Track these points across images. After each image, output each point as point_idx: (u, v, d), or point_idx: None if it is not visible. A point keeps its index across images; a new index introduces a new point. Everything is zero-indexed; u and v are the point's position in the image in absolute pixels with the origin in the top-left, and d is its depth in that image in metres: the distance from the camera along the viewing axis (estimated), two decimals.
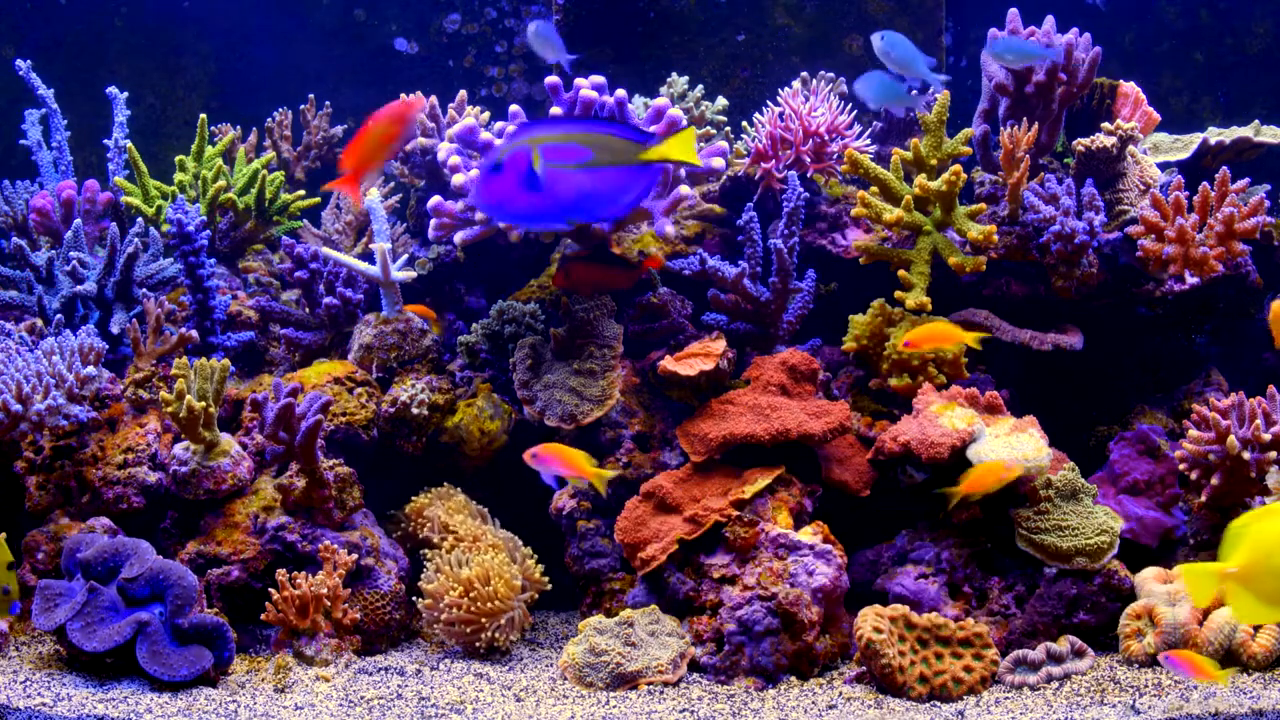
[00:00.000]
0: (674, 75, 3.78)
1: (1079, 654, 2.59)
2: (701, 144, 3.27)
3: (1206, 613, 2.56)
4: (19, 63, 3.84)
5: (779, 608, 2.62)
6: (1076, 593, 2.68)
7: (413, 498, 3.11)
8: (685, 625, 2.72)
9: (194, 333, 3.16)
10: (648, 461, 3.03)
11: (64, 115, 3.84)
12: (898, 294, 3.09)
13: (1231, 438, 2.72)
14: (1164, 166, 3.45)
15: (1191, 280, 3.15)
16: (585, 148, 2.35)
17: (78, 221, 3.45)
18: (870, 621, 2.52)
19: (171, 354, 3.13)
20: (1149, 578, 2.68)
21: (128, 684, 2.49)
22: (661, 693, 2.56)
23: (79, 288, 3.29)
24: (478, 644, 2.77)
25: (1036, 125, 3.19)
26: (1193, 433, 2.81)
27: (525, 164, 2.35)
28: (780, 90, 3.59)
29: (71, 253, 3.31)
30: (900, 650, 2.52)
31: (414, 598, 2.89)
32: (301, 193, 3.84)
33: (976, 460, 2.72)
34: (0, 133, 4.29)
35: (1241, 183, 3.04)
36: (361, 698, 2.50)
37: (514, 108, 3.16)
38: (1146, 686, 2.46)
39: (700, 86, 3.79)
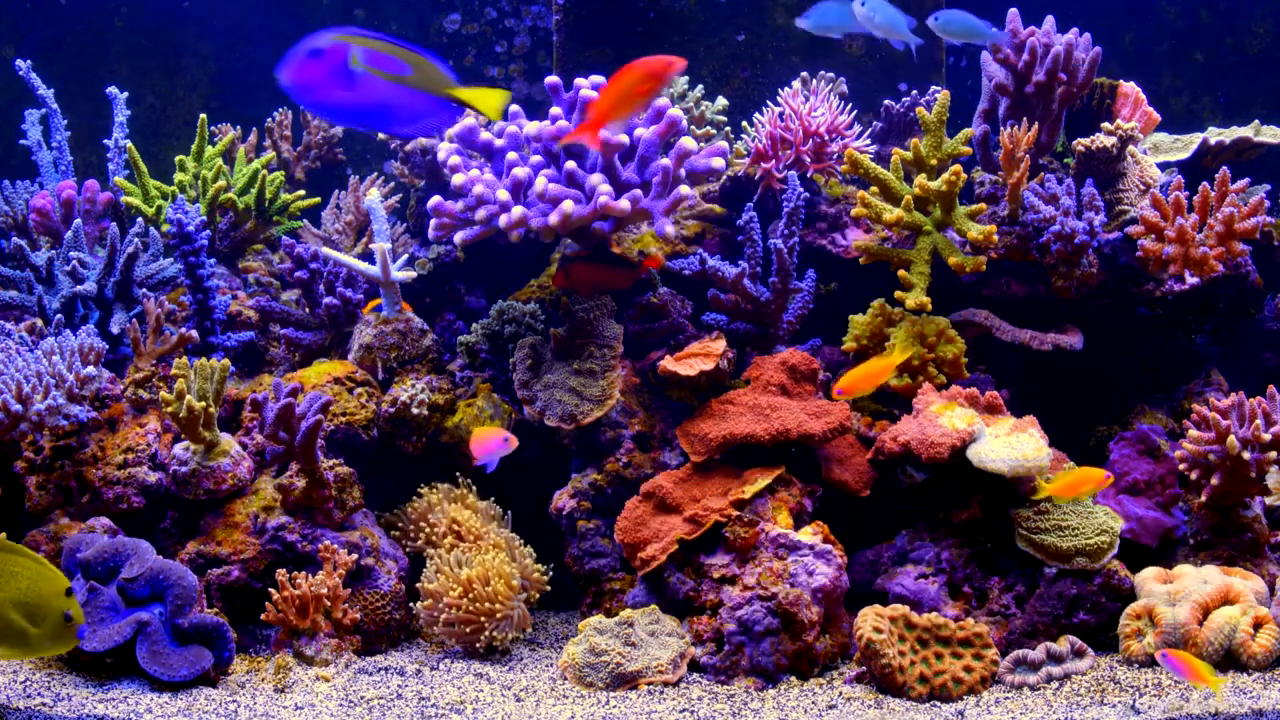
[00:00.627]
0: None
1: (1079, 654, 2.59)
2: (701, 144, 3.27)
3: (1207, 612, 2.56)
4: (19, 63, 3.84)
5: (779, 608, 2.62)
6: (1076, 593, 2.68)
7: (418, 493, 3.11)
8: (685, 625, 2.72)
9: (194, 333, 3.16)
10: (648, 461, 3.03)
11: (64, 115, 3.84)
12: (898, 294, 3.09)
13: (1231, 438, 2.72)
14: (1164, 166, 3.45)
15: (1191, 280, 3.16)
16: (405, 64, 2.36)
17: (78, 221, 3.45)
18: (870, 621, 2.52)
19: (171, 354, 3.13)
20: (1149, 578, 2.68)
21: (128, 684, 2.49)
22: (661, 693, 2.56)
23: (79, 288, 3.29)
24: (477, 644, 2.77)
25: (1036, 125, 3.19)
26: (1193, 433, 2.81)
27: (342, 59, 2.36)
28: (780, 90, 3.59)
29: (71, 253, 3.32)
30: (900, 650, 2.52)
31: (413, 603, 2.89)
32: (301, 193, 3.84)
33: (976, 460, 2.72)
34: (0, 133, 4.29)
35: (1241, 183, 3.04)
36: (361, 698, 2.50)
37: (514, 108, 3.17)
38: (1146, 686, 2.46)
39: (700, 86, 3.79)
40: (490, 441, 2.83)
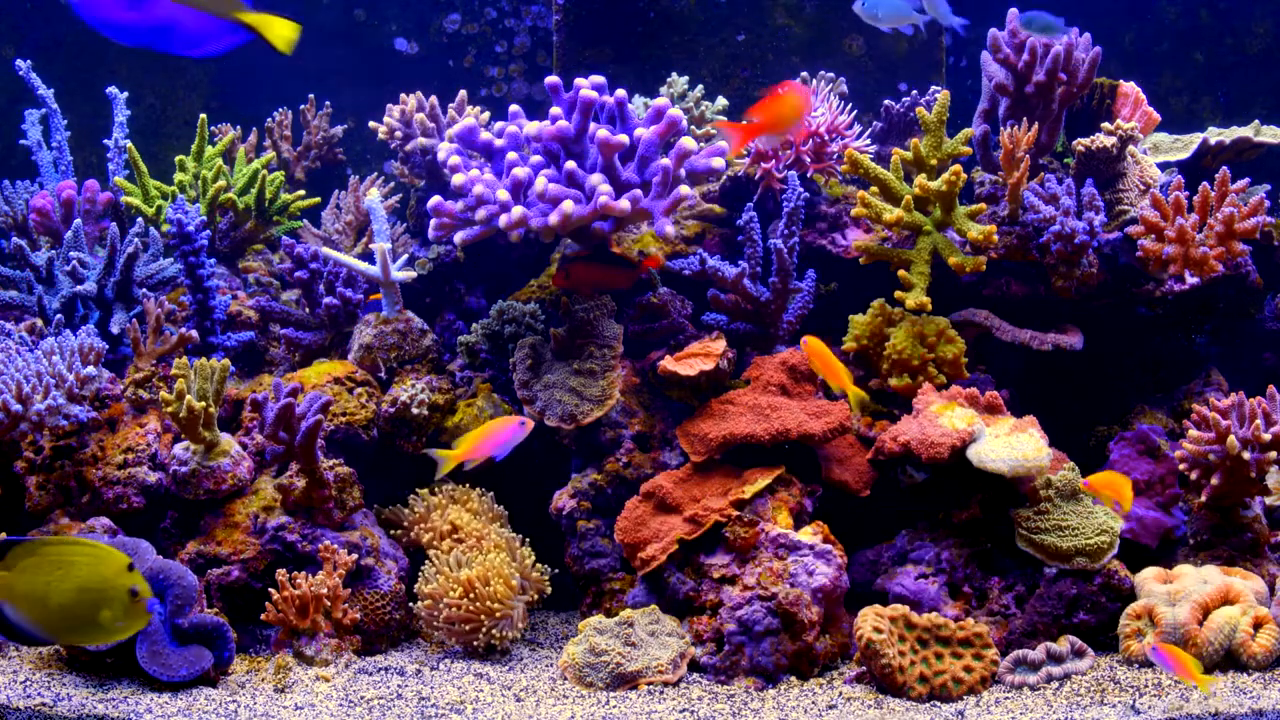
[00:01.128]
0: (674, 75, 3.78)
1: (1079, 654, 2.59)
2: (701, 144, 3.27)
3: (1207, 612, 2.56)
4: (19, 63, 3.84)
5: (779, 608, 2.62)
6: (1076, 593, 2.68)
7: (418, 493, 3.11)
8: (685, 625, 2.72)
9: (194, 333, 3.16)
10: (648, 461, 3.03)
11: (64, 115, 3.84)
12: (898, 294, 3.09)
13: (1231, 438, 2.72)
14: (1164, 166, 3.45)
15: (1191, 280, 3.16)
16: None
17: (78, 221, 3.45)
18: (870, 621, 2.52)
19: (171, 354, 3.13)
20: (1149, 578, 2.68)
21: (128, 684, 2.49)
22: (661, 693, 2.56)
23: (79, 288, 3.29)
24: (477, 644, 2.77)
25: (1036, 125, 3.19)
26: (1193, 433, 2.81)
27: None
28: None
29: (71, 253, 3.32)
30: (900, 650, 2.52)
31: (414, 603, 2.89)
32: (301, 193, 3.84)
33: (976, 460, 2.72)
34: (0, 133, 4.29)
35: (1241, 183, 3.04)
36: (361, 698, 2.50)
37: (514, 108, 3.17)
38: (1146, 686, 2.46)
39: (700, 86, 3.79)
40: (503, 433, 2.74)
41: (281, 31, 2.35)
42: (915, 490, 2.89)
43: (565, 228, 2.92)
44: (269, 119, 4.19)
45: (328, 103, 4.23)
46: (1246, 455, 2.72)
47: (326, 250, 3.37)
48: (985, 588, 2.76)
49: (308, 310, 3.45)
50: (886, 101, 3.73)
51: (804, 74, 3.76)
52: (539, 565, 2.95)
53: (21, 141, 3.84)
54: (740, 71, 4.01)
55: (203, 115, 3.80)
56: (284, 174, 3.85)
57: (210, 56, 2.48)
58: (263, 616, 2.71)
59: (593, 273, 3.15)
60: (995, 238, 3.04)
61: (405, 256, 3.44)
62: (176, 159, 3.78)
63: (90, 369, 2.86)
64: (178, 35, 2.37)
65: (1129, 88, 3.44)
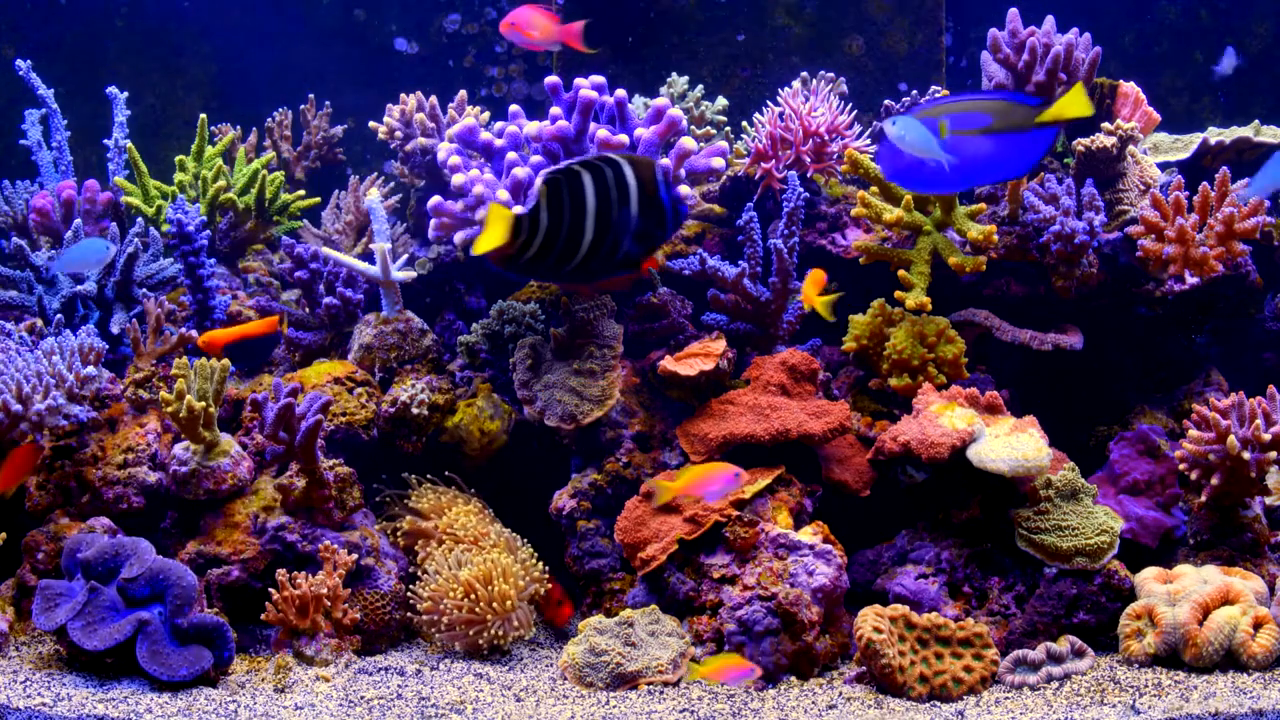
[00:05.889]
0: (674, 75, 3.78)
1: (1079, 654, 2.59)
2: (701, 144, 3.28)
3: (1207, 612, 2.56)
4: (19, 63, 3.84)
5: (779, 608, 2.62)
6: (1076, 593, 2.68)
7: (411, 498, 3.11)
8: (685, 625, 2.72)
9: (194, 333, 3.16)
10: (648, 461, 3.03)
11: (64, 115, 3.84)
12: (898, 294, 3.09)
13: (1231, 438, 2.72)
14: (1164, 166, 3.45)
15: (1191, 280, 3.16)
16: (985, 114, 2.45)
17: (78, 221, 3.45)
18: (870, 621, 2.52)
19: (171, 354, 3.13)
20: (1149, 578, 2.68)
21: (128, 684, 2.49)
22: (661, 693, 2.56)
23: (79, 288, 3.29)
24: (479, 644, 2.77)
25: None
26: (1193, 433, 2.81)
27: (932, 133, 2.43)
28: (780, 90, 3.59)
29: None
30: (900, 650, 2.52)
31: (413, 602, 2.89)
32: (301, 193, 3.84)
33: (976, 460, 2.72)
34: (0, 132, 4.29)
35: (1241, 183, 3.04)
36: (361, 698, 2.50)
37: (514, 108, 3.17)
38: (1146, 686, 2.46)
39: (700, 86, 3.79)
40: (719, 479, 2.65)
41: (1078, 96, 2.48)
42: (915, 490, 2.89)
43: None
44: (269, 119, 4.19)
45: (328, 103, 4.23)
46: (1246, 455, 2.72)
47: (326, 250, 3.37)
48: (985, 588, 2.76)
49: (308, 310, 3.45)
50: (886, 102, 3.73)
51: (804, 74, 3.76)
52: (538, 565, 2.94)
53: (21, 141, 3.84)
54: (740, 71, 4.01)
55: (203, 115, 3.81)
56: (284, 174, 3.85)
57: (1025, 171, 2.62)
58: (263, 616, 2.71)
59: None
60: (995, 238, 3.04)
61: (405, 256, 3.44)
62: (176, 159, 3.78)
63: (90, 369, 2.86)
64: (998, 165, 2.51)
65: (1129, 88, 3.45)
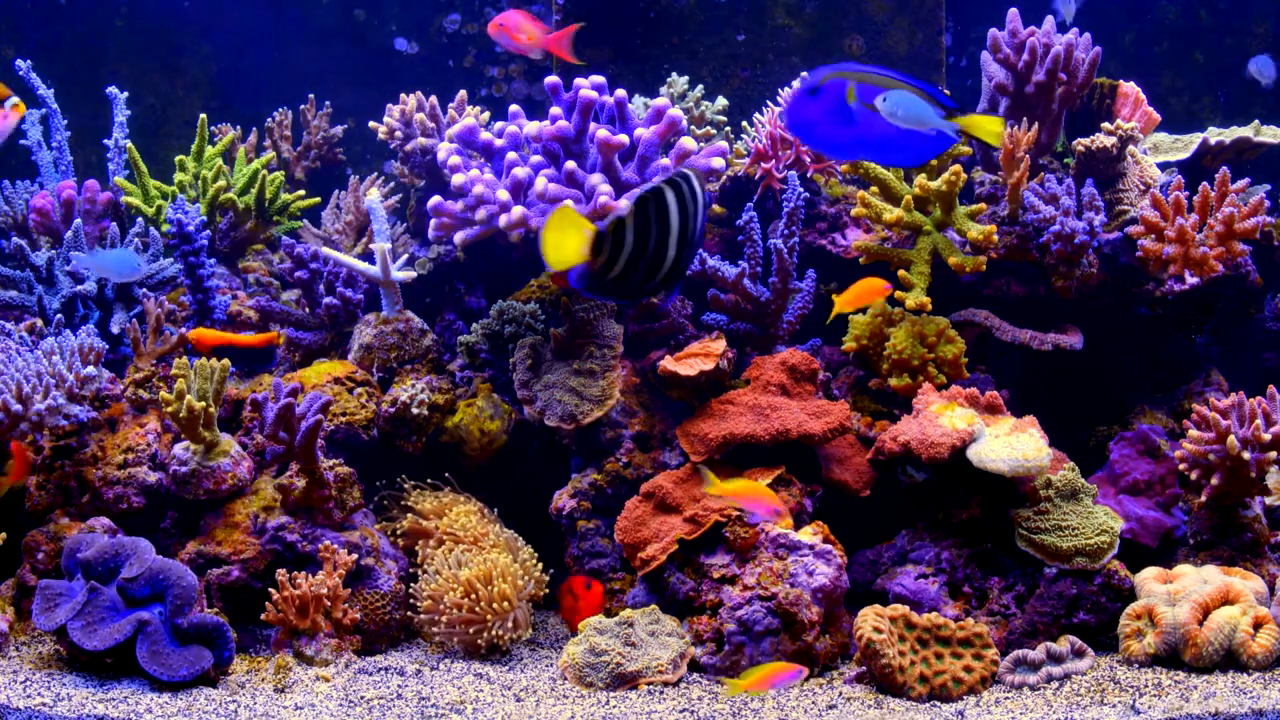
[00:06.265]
0: (674, 75, 3.78)
1: (1079, 654, 2.59)
2: (701, 144, 3.27)
3: (1207, 612, 2.56)
4: (19, 63, 3.84)
5: (779, 608, 2.62)
6: (1076, 593, 2.68)
7: (411, 497, 3.11)
8: (685, 625, 2.72)
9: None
10: (648, 461, 3.03)
11: (64, 115, 3.84)
12: (898, 294, 3.09)
13: (1231, 438, 2.72)
14: (1164, 166, 3.45)
15: (1191, 280, 3.16)
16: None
17: (78, 221, 3.45)
18: (870, 621, 2.52)
19: (171, 354, 3.13)
20: (1149, 578, 2.68)
21: (128, 684, 2.49)
22: (661, 693, 2.56)
23: (79, 288, 3.29)
24: (479, 644, 2.77)
25: (1036, 125, 3.19)
26: (1193, 433, 2.81)
27: (839, 96, 2.39)
28: (780, 90, 3.59)
29: (72, 253, 3.32)
30: (900, 650, 2.52)
31: (413, 602, 2.89)
32: (301, 193, 3.84)
33: (976, 460, 2.72)
34: None
35: (1241, 183, 3.04)
36: (361, 698, 2.50)
37: (514, 108, 3.17)
38: (1146, 686, 2.46)
39: (700, 86, 3.79)
40: (765, 506, 2.64)
41: (992, 125, 2.49)
42: (915, 490, 2.89)
43: None
44: (269, 119, 4.19)
45: (328, 103, 4.23)
46: (1246, 455, 2.72)
47: (326, 250, 3.37)
48: (985, 588, 2.76)
49: (308, 310, 3.45)
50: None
51: (804, 74, 3.75)
52: (538, 565, 2.94)
53: (21, 141, 3.84)
54: (740, 71, 4.01)
55: (203, 115, 3.80)
56: (284, 174, 3.85)
57: (917, 162, 2.59)
58: (263, 616, 2.71)
59: None
60: (995, 238, 3.04)
61: (405, 256, 3.44)
62: (176, 159, 3.78)
63: (90, 369, 2.86)
64: (895, 147, 2.47)
65: (1129, 88, 3.44)
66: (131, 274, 3.16)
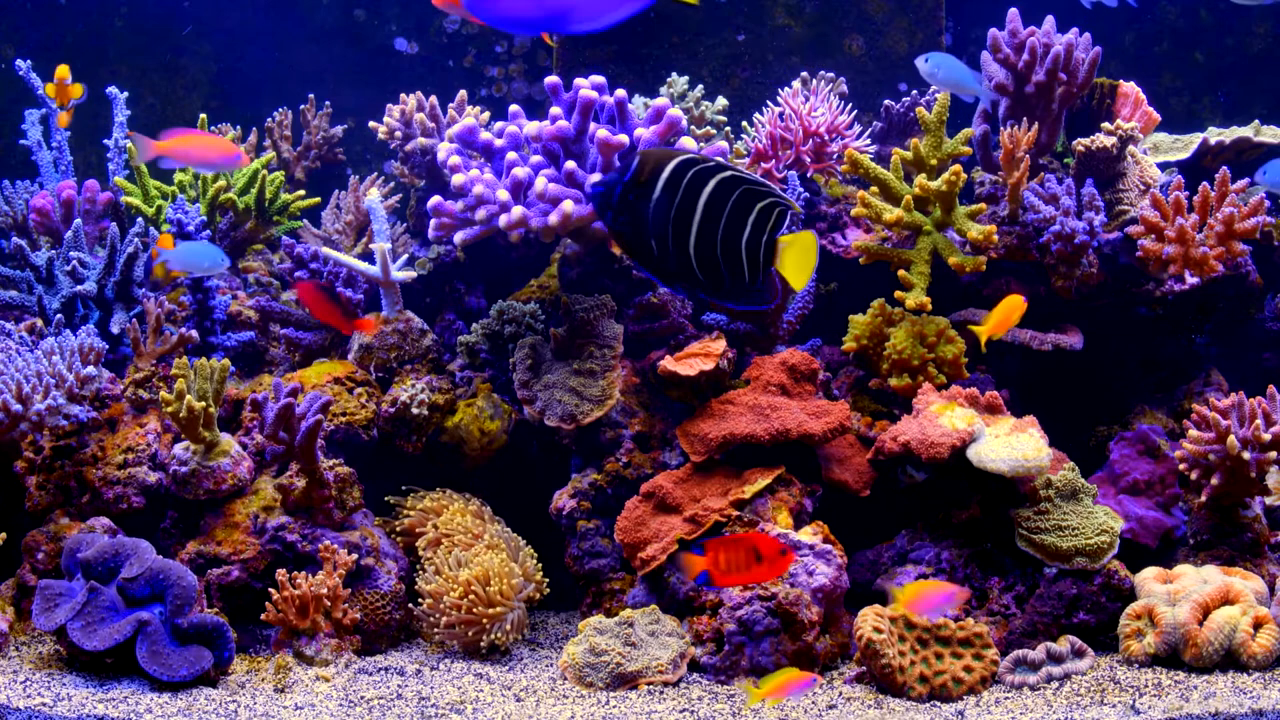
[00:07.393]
0: (674, 75, 3.78)
1: (1079, 654, 2.59)
2: (701, 144, 3.27)
3: (1207, 612, 2.56)
4: (19, 63, 3.84)
5: (779, 608, 2.62)
6: (1076, 593, 2.68)
7: (408, 501, 3.11)
8: (685, 625, 2.72)
9: (194, 333, 3.16)
10: (648, 461, 3.03)
11: None
12: (898, 294, 3.09)
13: (1231, 438, 2.72)
14: (1164, 166, 3.45)
15: (1191, 280, 3.16)
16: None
17: (78, 221, 3.45)
18: (870, 621, 2.52)
19: (171, 354, 3.13)
20: (1149, 578, 2.68)
21: (128, 684, 2.49)
22: (661, 693, 2.56)
23: (79, 288, 3.29)
24: (479, 644, 2.77)
25: (1036, 125, 3.19)
26: (1193, 433, 2.81)
27: None
28: (780, 90, 3.59)
29: (71, 253, 3.31)
30: (900, 650, 2.52)
31: (414, 603, 2.89)
32: (301, 193, 3.84)
33: (976, 460, 2.72)
34: (0, 133, 4.29)
35: (1241, 183, 3.04)
36: (361, 698, 2.50)
37: (514, 108, 3.17)
38: (1146, 686, 2.46)
39: (700, 86, 3.79)
40: (937, 596, 2.53)
41: None
42: (915, 490, 2.89)
43: (565, 228, 2.92)
44: (269, 119, 4.19)
45: (327, 103, 4.22)
46: (1246, 455, 2.72)
47: (326, 250, 3.37)
48: (985, 588, 2.76)
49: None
50: (886, 102, 3.73)
51: (804, 74, 3.76)
52: (538, 565, 2.95)
53: (21, 141, 3.84)
54: (740, 71, 4.01)
55: (203, 115, 3.80)
56: (284, 174, 3.85)
57: (606, 26, 2.49)
58: (263, 616, 2.71)
59: None
60: (995, 238, 3.04)
61: (405, 256, 3.44)
62: None
63: (90, 369, 2.86)
64: (584, 9, 2.41)
65: (1129, 88, 3.44)
66: (219, 265, 3.15)
